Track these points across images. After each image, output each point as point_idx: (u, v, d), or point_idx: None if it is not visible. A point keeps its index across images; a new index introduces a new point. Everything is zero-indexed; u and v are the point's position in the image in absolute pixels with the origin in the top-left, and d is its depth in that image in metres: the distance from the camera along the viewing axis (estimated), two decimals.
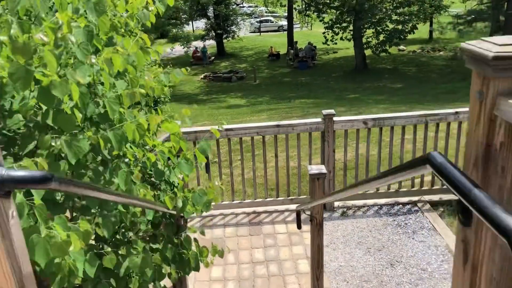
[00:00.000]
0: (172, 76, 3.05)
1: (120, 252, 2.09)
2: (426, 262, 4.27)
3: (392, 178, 1.59)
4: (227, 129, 4.92)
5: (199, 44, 33.12)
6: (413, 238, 4.66)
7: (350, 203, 5.33)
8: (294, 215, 5.20)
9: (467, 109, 5.10)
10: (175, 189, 2.69)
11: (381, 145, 5.15)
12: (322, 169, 3.28)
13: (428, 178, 5.42)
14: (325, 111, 4.94)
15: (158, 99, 7.87)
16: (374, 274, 4.13)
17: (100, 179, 1.97)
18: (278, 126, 4.97)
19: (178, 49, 31.53)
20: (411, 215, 5.08)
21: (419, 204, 5.29)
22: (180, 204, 2.48)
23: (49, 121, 1.72)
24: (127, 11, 2.57)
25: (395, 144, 5.18)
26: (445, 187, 5.37)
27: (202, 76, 27.68)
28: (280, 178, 5.39)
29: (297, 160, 5.18)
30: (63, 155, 1.81)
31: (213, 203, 5.26)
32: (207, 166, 4.92)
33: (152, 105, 2.95)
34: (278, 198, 5.27)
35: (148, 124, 2.88)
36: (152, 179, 2.64)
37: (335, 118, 4.93)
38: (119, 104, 1.90)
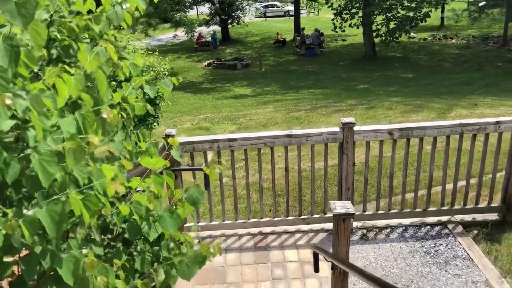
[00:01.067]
0: (159, 87, 2.40)
1: None
2: None
3: None
4: (229, 139, 4.24)
5: (203, 29, 32.17)
6: (446, 271, 3.99)
7: (370, 223, 4.66)
8: (306, 237, 4.54)
9: (509, 118, 4.40)
10: (158, 248, 2.03)
11: (407, 160, 4.45)
12: (349, 207, 2.60)
13: (460, 186, 4.72)
14: (344, 120, 4.24)
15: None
16: None
17: (34, 271, 1.30)
18: (289, 136, 4.28)
19: (181, 35, 30.62)
20: (442, 240, 4.40)
21: (450, 226, 4.60)
22: (162, 277, 1.81)
23: None
24: (91, 11, 1.89)
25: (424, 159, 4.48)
26: (479, 206, 4.69)
27: (206, 63, 26.83)
28: (290, 192, 4.72)
29: (311, 176, 4.49)
30: None
31: (215, 222, 4.60)
32: (207, 182, 4.23)
33: (131, 127, 2.25)
34: (288, 218, 4.59)
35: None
36: (126, 235, 1.97)
37: (355, 128, 4.23)
38: (56, 163, 1.22)
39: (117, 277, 1.71)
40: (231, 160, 4.34)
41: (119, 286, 1.57)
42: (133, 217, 1.92)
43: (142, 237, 1.99)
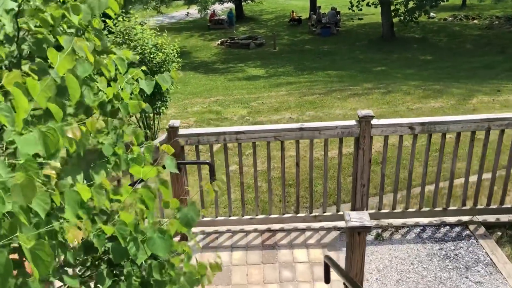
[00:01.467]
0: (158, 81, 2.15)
1: None
2: None
3: None
4: (237, 132, 3.97)
5: (217, 7, 31.49)
6: (466, 277, 3.72)
7: (386, 222, 4.38)
8: (317, 235, 4.30)
9: None
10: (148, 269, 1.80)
11: (428, 158, 4.14)
12: (365, 219, 2.33)
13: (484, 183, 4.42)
14: (361, 112, 3.93)
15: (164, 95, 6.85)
16: None
17: None
18: (301, 129, 3.99)
19: (194, 12, 30.04)
20: (462, 242, 4.12)
21: (471, 227, 4.31)
22: None
23: None
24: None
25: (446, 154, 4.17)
26: (504, 206, 4.38)
27: (219, 41, 26.32)
28: (301, 182, 4.47)
29: (324, 171, 4.21)
30: None
31: (220, 218, 4.39)
32: (212, 171, 3.96)
33: (123, 128, 1.98)
34: (298, 215, 4.35)
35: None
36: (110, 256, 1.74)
37: (373, 122, 3.92)
38: (4, 198, 0.97)
39: None
40: (238, 155, 4.09)
41: None
42: (116, 240, 1.68)
43: (129, 258, 1.76)
